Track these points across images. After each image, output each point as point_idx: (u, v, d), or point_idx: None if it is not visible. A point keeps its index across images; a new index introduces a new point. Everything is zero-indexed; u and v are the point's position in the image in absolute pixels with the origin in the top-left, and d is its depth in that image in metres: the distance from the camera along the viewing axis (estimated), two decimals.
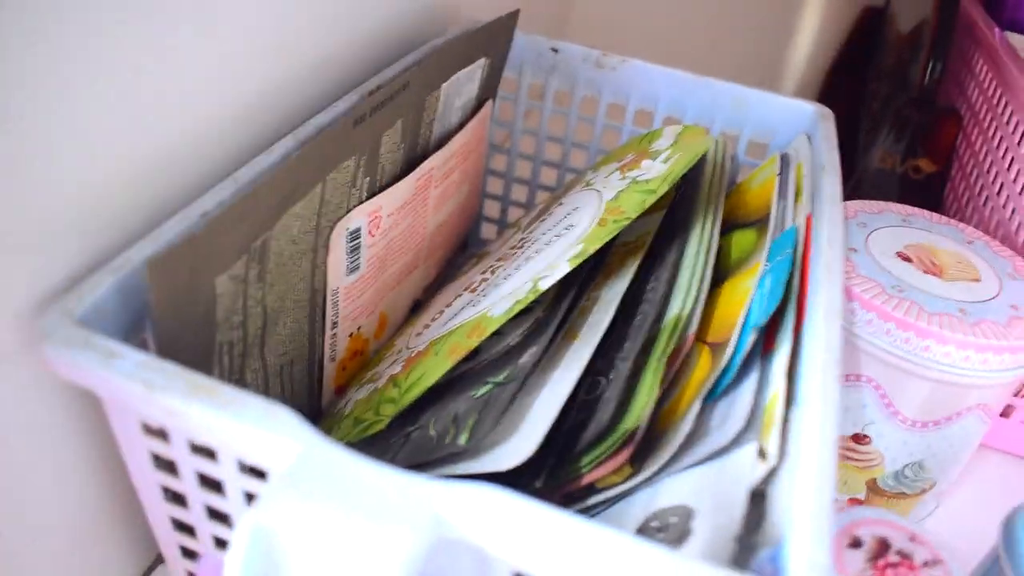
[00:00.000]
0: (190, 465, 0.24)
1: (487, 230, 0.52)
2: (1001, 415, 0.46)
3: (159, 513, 0.27)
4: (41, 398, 0.25)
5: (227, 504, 0.24)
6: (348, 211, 0.33)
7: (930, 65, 0.54)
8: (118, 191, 0.26)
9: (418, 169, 0.37)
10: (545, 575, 0.19)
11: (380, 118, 0.33)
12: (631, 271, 0.33)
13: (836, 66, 0.72)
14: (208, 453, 0.23)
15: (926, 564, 0.32)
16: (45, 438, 0.26)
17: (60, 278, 0.24)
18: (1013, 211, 0.47)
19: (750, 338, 0.28)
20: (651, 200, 0.32)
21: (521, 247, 0.36)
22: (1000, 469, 0.46)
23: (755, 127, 0.43)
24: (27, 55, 0.21)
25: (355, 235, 0.34)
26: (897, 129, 0.56)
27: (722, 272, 0.35)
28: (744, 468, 0.25)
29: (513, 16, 0.42)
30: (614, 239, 0.37)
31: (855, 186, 0.59)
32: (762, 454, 0.24)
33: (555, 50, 0.44)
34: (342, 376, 0.38)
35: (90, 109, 0.24)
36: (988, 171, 0.53)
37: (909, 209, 0.43)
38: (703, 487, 0.25)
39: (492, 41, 0.41)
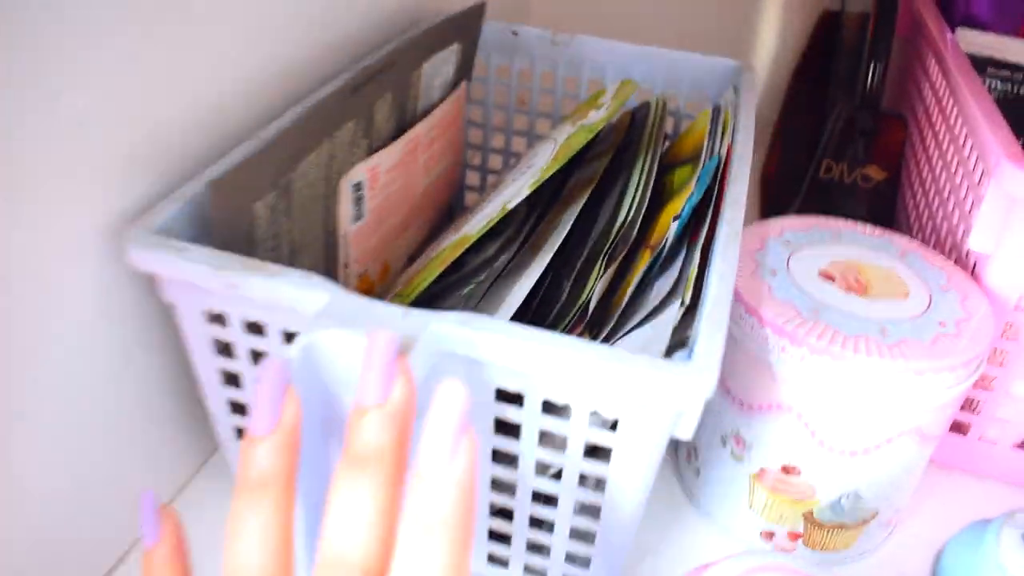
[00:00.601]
0: (244, 344, 0.32)
1: (470, 199, 0.60)
2: (959, 432, 0.44)
3: (217, 397, 0.35)
4: (122, 301, 0.33)
5: None
6: (352, 166, 0.41)
7: (871, 69, 0.53)
8: (177, 139, 0.34)
9: (407, 134, 0.45)
10: (508, 365, 0.27)
11: (372, 89, 0.41)
12: (584, 197, 0.41)
13: (798, 74, 0.72)
14: (258, 330, 0.31)
15: None
16: (127, 334, 0.34)
17: (136, 202, 0.32)
18: (958, 220, 0.45)
19: (674, 228, 0.36)
20: (591, 136, 0.40)
21: (495, 188, 0.44)
22: (962, 489, 0.45)
23: (690, 84, 0.51)
24: (119, 37, 0.29)
25: (358, 187, 0.42)
26: (844, 136, 0.55)
27: (665, 199, 0.43)
28: (671, 316, 0.33)
29: (480, 6, 0.50)
30: (570, 176, 0.46)
31: (805, 197, 0.57)
32: (683, 303, 0.32)
33: (515, 33, 0.53)
34: None
35: (161, 78, 0.32)
36: (938, 177, 0.51)
37: (841, 223, 0.42)
38: (642, 340, 0.33)
39: (463, 28, 0.50)
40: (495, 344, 0.26)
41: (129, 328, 0.34)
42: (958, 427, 0.44)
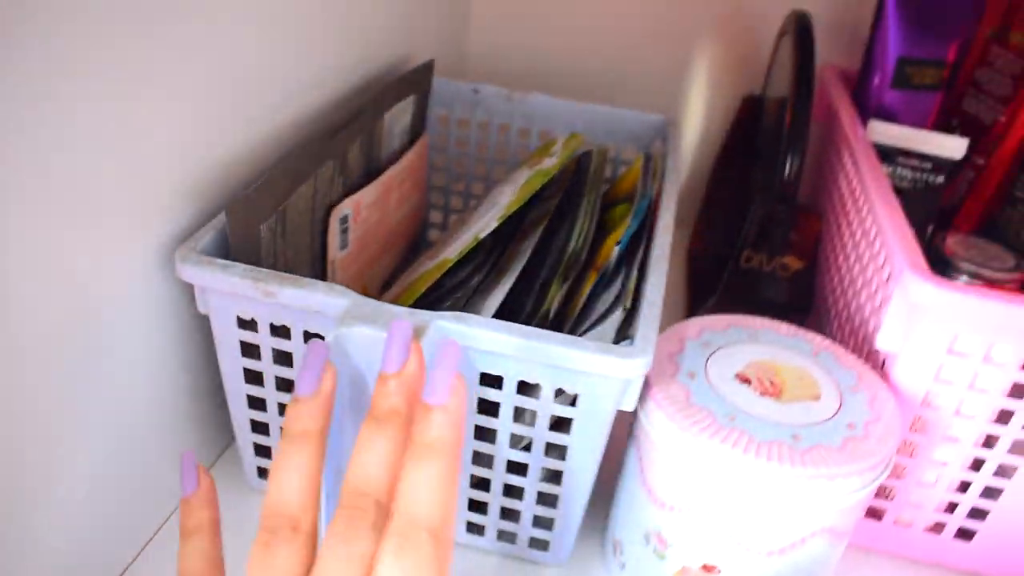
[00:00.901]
0: (269, 345, 0.40)
1: (433, 235, 0.69)
2: (875, 517, 0.47)
3: (239, 393, 0.42)
4: (163, 311, 0.41)
5: (293, 372, 0.40)
6: (332, 201, 0.49)
7: (788, 163, 0.55)
8: (207, 183, 0.42)
9: (383, 176, 0.54)
10: (493, 351, 0.35)
11: (347, 135, 0.49)
12: (540, 229, 0.51)
13: (723, 154, 0.76)
14: (283, 334, 0.39)
15: None
16: (165, 339, 0.41)
17: (179, 231, 0.40)
18: (869, 313, 0.48)
19: (616, 252, 0.45)
20: (546, 179, 0.49)
21: (464, 223, 0.53)
22: (878, 571, 0.48)
23: (626, 136, 0.62)
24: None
25: (344, 220, 0.50)
26: (762, 229, 0.58)
27: (607, 231, 0.53)
28: (615, 319, 0.42)
29: (429, 64, 0.60)
30: (527, 214, 0.55)
31: (728, 284, 0.61)
32: (624, 308, 0.42)
33: (476, 91, 0.63)
34: None
35: (201, 137, 0.40)
36: (851, 267, 0.53)
37: (759, 322, 0.45)
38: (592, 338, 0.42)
39: (416, 83, 0.59)
40: (483, 335, 0.35)
41: (167, 334, 0.41)
42: (873, 512, 0.47)
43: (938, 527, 0.47)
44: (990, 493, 0.45)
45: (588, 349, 0.35)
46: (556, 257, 0.49)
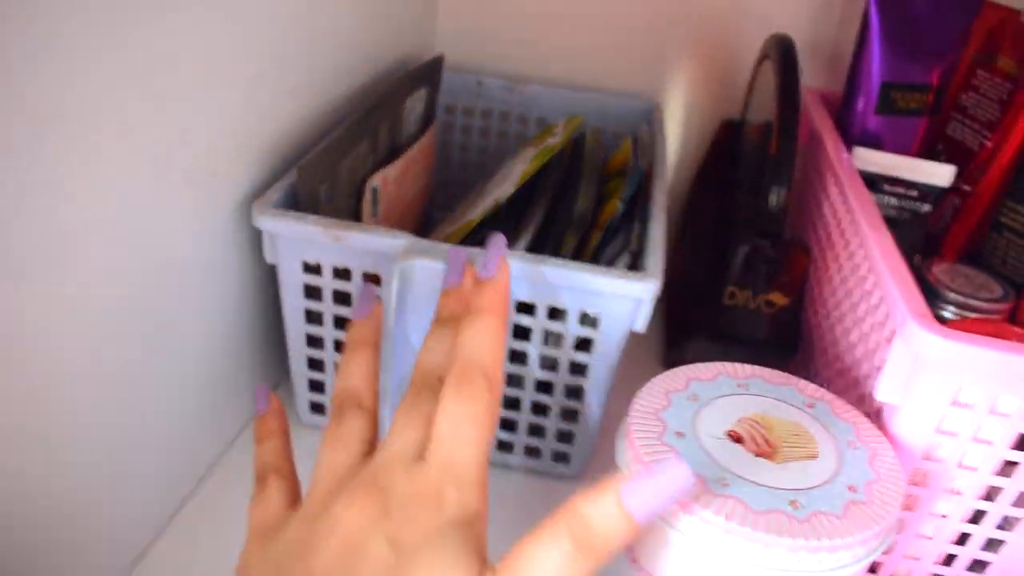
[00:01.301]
0: (330, 287, 0.47)
1: (439, 215, 0.77)
2: (869, 570, 0.46)
3: (299, 332, 0.50)
4: (233, 259, 0.48)
5: (348, 312, 0.48)
6: (364, 175, 0.57)
7: (774, 194, 0.54)
8: (269, 152, 0.50)
9: (404, 155, 0.63)
10: (526, 280, 0.44)
11: (377, 117, 0.58)
12: (547, 199, 0.59)
13: (699, 180, 0.76)
14: (343, 276, 0.47)
15: None
16: (232, 290, 0.49)
17: (252, 188, 0.48)
18: (862, 355, 0.46)
19: (620, 208, 0.54)
20: (552, 154, 0.58)
21: (479, 194, 0.62)
22: None
23: (616, 119, 0.71)
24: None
25: (375, 191, 0.59)
26: (747, 266, 0.57)
27: (605, 199, 0.62)
28: (623, 263, 0.51)
29: (439, 58, 0.69)
30: (533, 188, 0.64)
31: (711, 322, 0.60)
32: (631, 252, 0.50)
33: (479, 83, 0.71)
34: None
35: (269, 115, 0.48)
36: (840, 303, 0.52)
37: (747, 370, 0.43)
38: None
39: (429, 75, 0.67)
40: (517, 266, 0.44)
41: (231, 283, 0.49)
42: (869, 566, 0.43)
43: None
44: (991, 545, 0.45)
45: (610, 274, 0.43)
46: (566, 217, 0.58)
